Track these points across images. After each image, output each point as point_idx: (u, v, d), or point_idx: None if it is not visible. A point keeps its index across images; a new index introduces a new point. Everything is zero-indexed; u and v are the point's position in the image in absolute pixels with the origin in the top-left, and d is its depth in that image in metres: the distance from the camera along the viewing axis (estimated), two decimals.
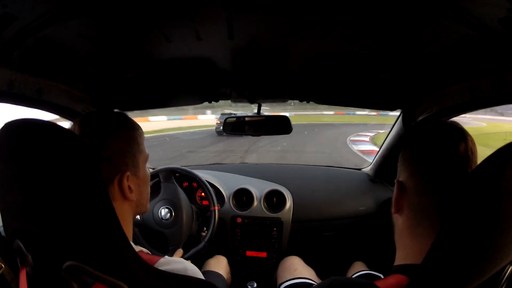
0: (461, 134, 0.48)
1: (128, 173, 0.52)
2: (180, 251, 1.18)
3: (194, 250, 1.22)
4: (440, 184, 0.45)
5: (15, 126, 0.37)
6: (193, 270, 0.51)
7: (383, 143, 1.37)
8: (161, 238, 1.23)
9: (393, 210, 0.52)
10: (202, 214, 1.32)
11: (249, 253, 1.39)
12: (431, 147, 0.48)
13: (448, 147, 0.46)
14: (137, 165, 0.54)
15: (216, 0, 0.51)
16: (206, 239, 1.24)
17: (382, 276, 0.47)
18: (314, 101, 1.08)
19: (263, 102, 1.11)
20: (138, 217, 1.25)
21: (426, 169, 0.47)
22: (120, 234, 0.39)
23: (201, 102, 1.11)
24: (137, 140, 0.55)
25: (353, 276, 0.94)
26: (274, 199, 1.39)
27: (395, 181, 0.52)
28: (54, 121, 0.39)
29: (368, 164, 1.60)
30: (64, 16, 0.52)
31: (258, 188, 1.42)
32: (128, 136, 0.53)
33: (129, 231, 0.55)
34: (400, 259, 0.49)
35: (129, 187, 0.52)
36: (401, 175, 0.52)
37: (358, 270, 1.05)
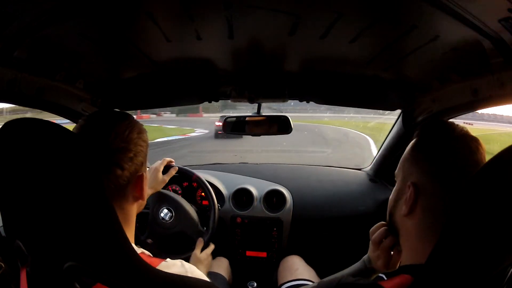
0: (479, 142, 0.48)
1: (144, 173, 0.54)
2: (200, 240, 1.12)
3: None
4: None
5: (15, 125, 0.37)
6: (194, 272, 0.51)
7: (383, 143, 1.37)
8: (180, 240, 1.18)
9: (402, 212, 0.50)
10: (203, 214, 1.31)
11: (249, 253, 1.39)
12: (453, 152, 0.47)
13: (469, 153, 0.46)
14: (146, 165, 0.57)
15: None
16: (210, 227, 1.19)
17: (384, 277, 0.47)
18: (314, 101, 1.08)
19: (263, 102, 1.11)
20: (149, 241, 1.16)
21: (448, 174, 0.46)
22: (121, 235, 0.39)
23: (201, 101, 1.11)
24: (147, 141, 0.57)
25: None
26: (274, 199, 1.39)
27: (409, 183, 0.49)
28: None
29: (368, 164, 1.60)
30: (64, 16, 0.52)
31: (258, 188, 1.42)
32: (144, 138, 0.56)
33: (132, 231, 0.56)
34: (406, 259, 0.49)
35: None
36: (413, 177, 0.50)
37: None
